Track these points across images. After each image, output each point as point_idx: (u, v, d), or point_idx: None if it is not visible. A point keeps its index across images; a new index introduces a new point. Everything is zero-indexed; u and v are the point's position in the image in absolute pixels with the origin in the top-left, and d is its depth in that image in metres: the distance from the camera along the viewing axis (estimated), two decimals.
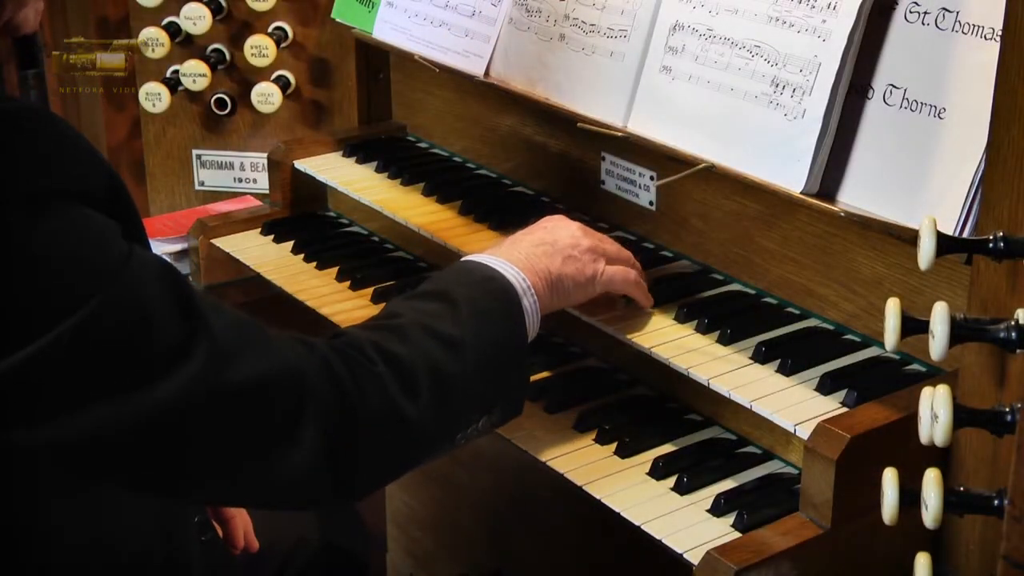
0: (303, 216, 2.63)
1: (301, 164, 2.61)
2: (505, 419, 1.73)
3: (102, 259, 1.33)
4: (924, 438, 1.28)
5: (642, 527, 1.67)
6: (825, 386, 1.74)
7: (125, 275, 1.34)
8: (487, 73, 2.36)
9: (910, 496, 1.24)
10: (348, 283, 2.34)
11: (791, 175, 1.85)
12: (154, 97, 2.86)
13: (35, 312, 1.29)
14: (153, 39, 2.83)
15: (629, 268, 1.93)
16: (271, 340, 1.47)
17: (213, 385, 1.38)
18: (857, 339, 1.87)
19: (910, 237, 1.67)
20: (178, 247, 2.62)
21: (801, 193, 1.84)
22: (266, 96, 2.84)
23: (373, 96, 2.78)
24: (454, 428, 1.65)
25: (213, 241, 2.53)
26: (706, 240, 2.09)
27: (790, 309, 1.96)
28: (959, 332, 1.31)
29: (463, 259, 1.84)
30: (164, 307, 1.37)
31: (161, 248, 2.63)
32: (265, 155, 2.72)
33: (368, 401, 1.51)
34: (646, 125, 2.07)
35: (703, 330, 1.90)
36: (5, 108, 1.34)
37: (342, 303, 2.28)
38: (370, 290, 2.29)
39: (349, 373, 1.50)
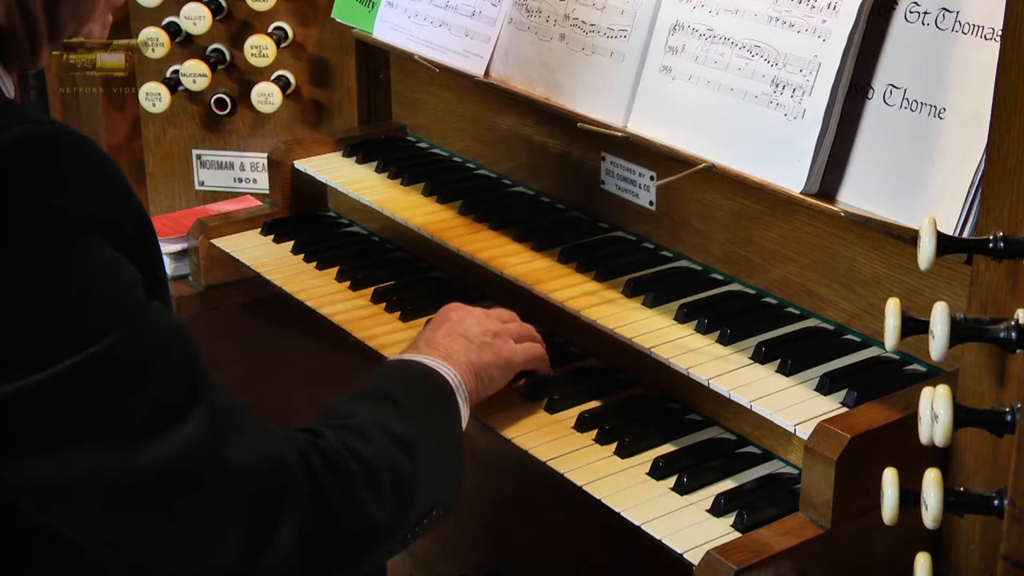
0: (303, 216, 2.63)
1: (301, 164, 2.61)
2: (447, 513, 1.71)
3: (121, 301, 1.32)
4: (924, 438, 1.28)
5: (642, 527, 1.67)
6: (825, 386, 1.74)
7: (140, 321, 1.32)
8: (487, 73, 2.36)
9: (910, 496, 1.24)
10: (348, 283, 2.34)
11: (791, 175, 1.85)
12: (154, 97, 2.86)
13: (44, 342, 1.27)
14: (153, 39, 2.83)
15: (535, 343, 1.96)
16: (263, 428, 1.45)
17: (204, 456, 1.35)
18: (857, 339, 1.87)
19: (910, 237, 1.67)
20: (178, 247, 2.62)
21: (801, 193, 1.84)
22: (266, 96, 2.83)
23: (373, 96, 2.78)
24: (407, 526, 1.62)
25: (213, 241, 2.53)
26: (706, 240, 2.09)
27: (790, 309, 1.96)
28: (959, 332, 1.31)
29: (394, 358, 1.85)
30: (170, 367, 1.35)
31: (161, 248, 2.63)
32: (265, 155, 2.73)
33: (344, 501, 1.49)
34: (646, 125, 2.07)
35: (703, 330, 1.90)
36: (48, 131, 1.32)
37: (342, 303, 2.28)
38: (370, 290, 2.29)
39: (328, 472, 1.48)
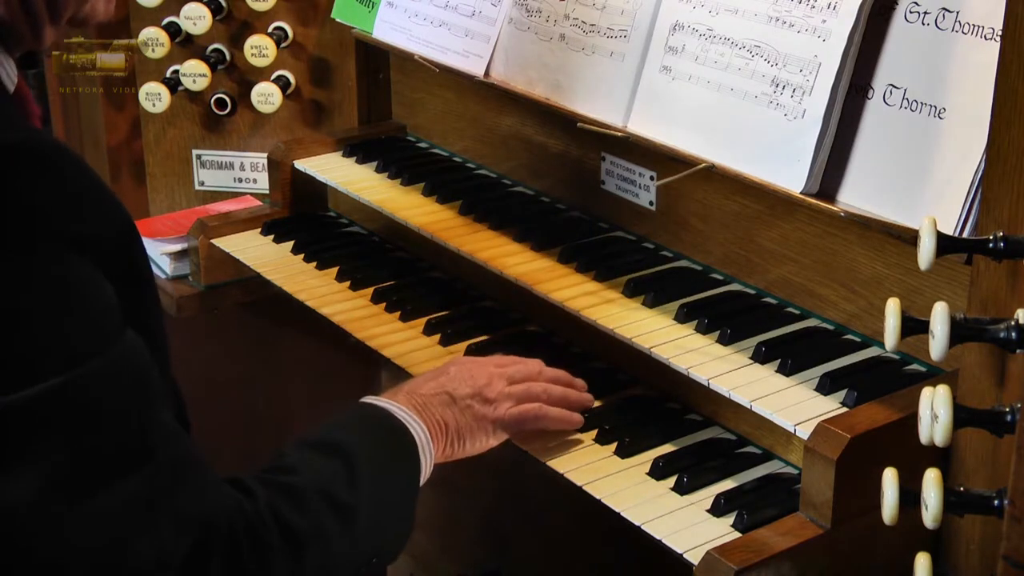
0: (303, 216, 2.63)
1: (301, 164, 2.61)
2: (384, 564, 1.69)
3: (95, 328, 1.29)
4: (924, 438, 1.28)
5: (642, 527, 1.67)
6: (825, 386, 1.74)
7: (112, 355, 1.30)
8: (487, 73, 2.36)
9: (910, 496, 1.24)
10: (348, 283, 2.34)
11: (791, 175, 1.85)
12: (154, 97, 2.86)
13: (7, 363, 1.24)
14: (153, 39, 2.83)
15: (537, 403, 1.84)
16: (201, 480, 1.41)
17: (137, 516, 1.32)
18: (857, 339, 1.87)
19: (910, 237, 1.67)
20: (178, 247, 2.62)
21: (801, 193, 1.84)
22: (266, 96, 2.83)
23: (373, 96, 2.78)
24: None
25: (213, 241, 2.53)
26: (706, 240, 2.09)
27: (790, 309, 1.96)
28: (959, 332, 1.30)
29: (367, 401, 1.77)
30: (128, 409, 1.32)
31: (161, 248, 2.63)
32: (265, 155, 2.73)
33: (260, 567, 1.44)
34: (646, 125, 2.07)
35: (703, 330, 1.90)
36: (21, 141, 1.29)
37: (342, 303, 2.28)
38: (370, 290, 2.29)
39: (249, 545, 1.43)
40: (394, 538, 1.68)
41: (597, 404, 1.93)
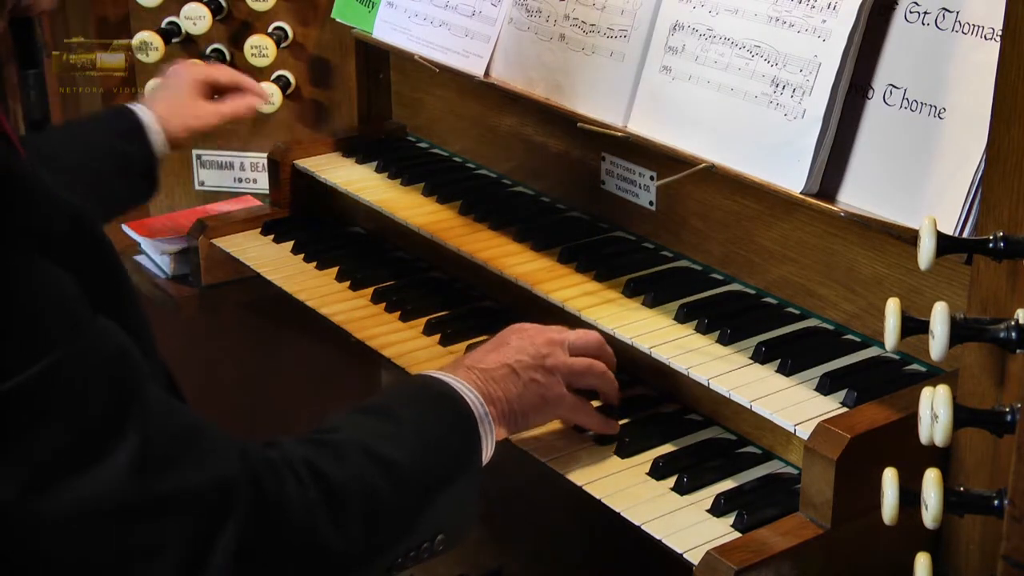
0: (303, 216, 2.63)
1: (301, 164, 2.61)
2: (449, 547, 1.62)
3: (60, 321, 1.26)
4: (924, 438, 1.28)
5: (642, 527, 1.67)
6: (825, 386, 1.74)
7: (78, 346, 1.27)
8: (487, 73, 2.36)
9: (910, 496, 1.24)
10: (348, 283, 2.34)
11: (791, 175, 1.85)
12: None
13: None
14: (147, 43, 2.82)
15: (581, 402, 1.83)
16: (213, 444, 1.37)
17: (128, 494, 1.28)
18: (857, 339, 1.87)
19: (910, 237, 1.67)
20: (178, 247, 2.62)
21: (801, 193, 1.84)
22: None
23: (373, 96, 2.78)
24: (384, 556, 1.53)
25: (213, 241, 2.53)
26: (706, 240, 2.09)
27: (790, 309, 1.96)
28: (959, 332, 1.31)
29: (425, 373, 1.74)
30: (99, 397, 1.28)
31: (161, 248, 2.63)
32: (265, 155, 2.73)
33: (292, 523, 1.41)
34: (646, 125, 2.07)
35: (703, 330, 1.90)
36: None
37: (342, 303, 2.28)
38: (370, 290, 2.29)
39: (278, 496, 1.40)
40: (457, 513, 1.62)
41: (597, 404, 1.93)
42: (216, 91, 2.48)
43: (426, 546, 1.58)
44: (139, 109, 2.33)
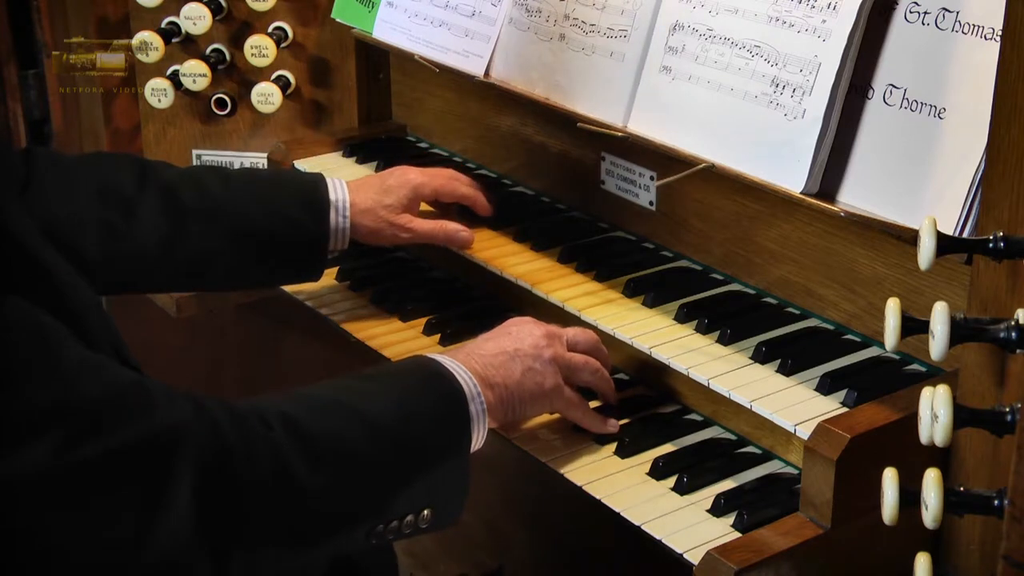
0: None
1: (301, 164, 2.61)
2: (438, 525, 1.62)
3: None
4: (924, 438, 1.28)
5: (642, 527, 1.67)
6: (825, 386, 1.74)
7: None
8: (487, 73, 2.36)
9: (910, 496, 1.24)
10: (348, 283, 2.34)
11: (791, 175, 1.85)
12: (160, 93, 2.85)
13: None
14: (147, 43, 2.82)
15: (579, 399, 1.84)
16: (152, 406, 1.35)
17: (61, 467, 1.26)
18: (857, 339, 1.87)
19: (910, 237, 1.67)
20: None
21: (801, 193, 1.84)
22: (266, 96, 2.83)
23: (373, 96, 2.78)
24: (363, 512, 1.53)
25: None
26: (706, 240, 2.09)
27: (790, 309, 1.96)
28: (959, 332, 1.31)
29: (418, 354, 1.76)
30: (23, 372, 1.25)
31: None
32: (265, 155, 2.73)
33: (255, 463, 1.40)
34: (646, 125, 2.07)
35: (703, 330, 1.90)
36: None
37: (342, 303, 2.28)
38: (370, 290, 2.29)
39: (239, 437, 1.39)
40: (446, 489, 1.62)
41: (597, 404, 1.93)
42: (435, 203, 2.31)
43: (410, 519, 1.58)
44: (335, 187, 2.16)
